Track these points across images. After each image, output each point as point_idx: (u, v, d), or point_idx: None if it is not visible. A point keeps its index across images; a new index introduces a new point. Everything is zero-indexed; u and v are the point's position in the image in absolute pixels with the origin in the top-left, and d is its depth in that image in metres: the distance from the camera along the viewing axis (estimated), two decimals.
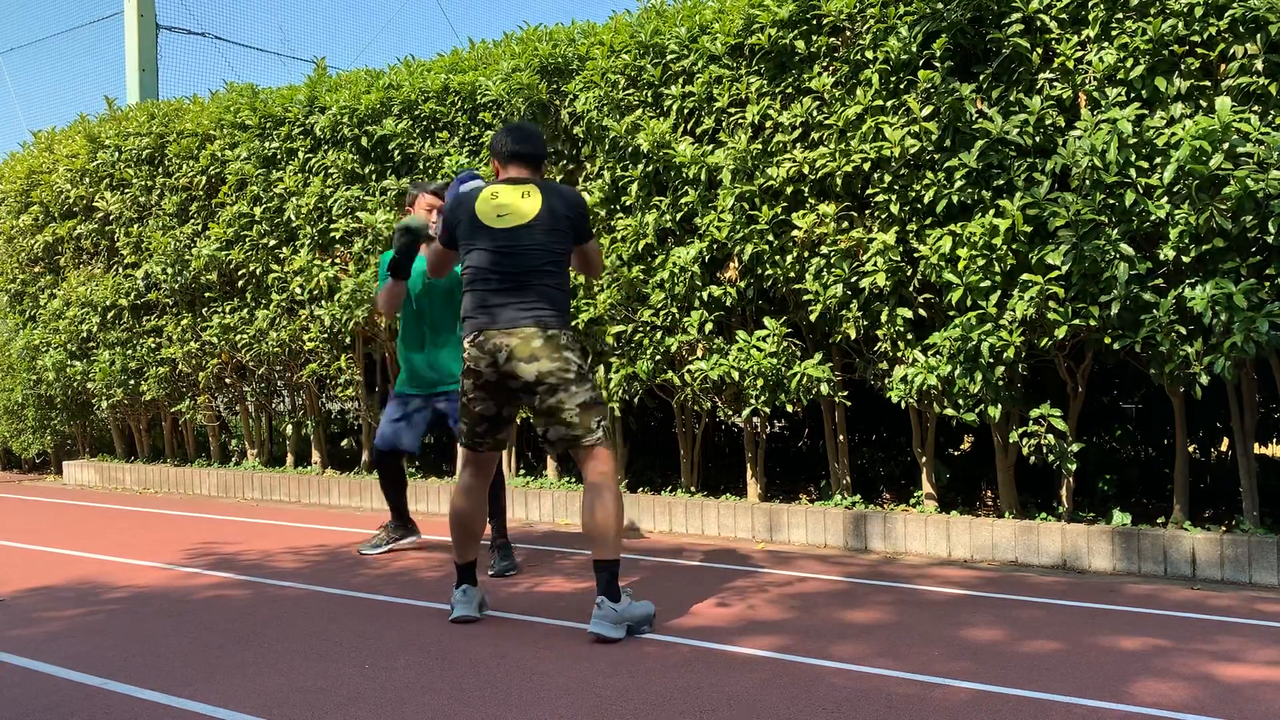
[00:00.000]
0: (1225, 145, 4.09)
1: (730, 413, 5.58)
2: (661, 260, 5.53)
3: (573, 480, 6.49)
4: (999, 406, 4.70)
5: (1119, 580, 4.34)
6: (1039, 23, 4.62)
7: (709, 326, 5.42)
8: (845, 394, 5.32)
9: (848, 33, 5.07)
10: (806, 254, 5.16)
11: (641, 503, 5.82)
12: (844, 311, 5.08)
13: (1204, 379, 4.28)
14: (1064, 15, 4.57)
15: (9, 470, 10.57)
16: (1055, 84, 4.61)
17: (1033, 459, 4.74)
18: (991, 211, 4.63)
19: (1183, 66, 4.33)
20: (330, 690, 2.89)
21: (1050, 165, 4.50)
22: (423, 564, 4.82)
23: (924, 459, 5.25)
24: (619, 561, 3.43)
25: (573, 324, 3.57)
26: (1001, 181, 4.63)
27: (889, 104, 4.92)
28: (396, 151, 6.66)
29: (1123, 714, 2.62)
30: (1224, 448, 6.14)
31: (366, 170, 6.83)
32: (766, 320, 5.23)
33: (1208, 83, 4.36)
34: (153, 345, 8.09)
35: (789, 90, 5.26)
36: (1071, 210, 4.36)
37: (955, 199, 4.70)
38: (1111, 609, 3.79)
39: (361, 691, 2.88)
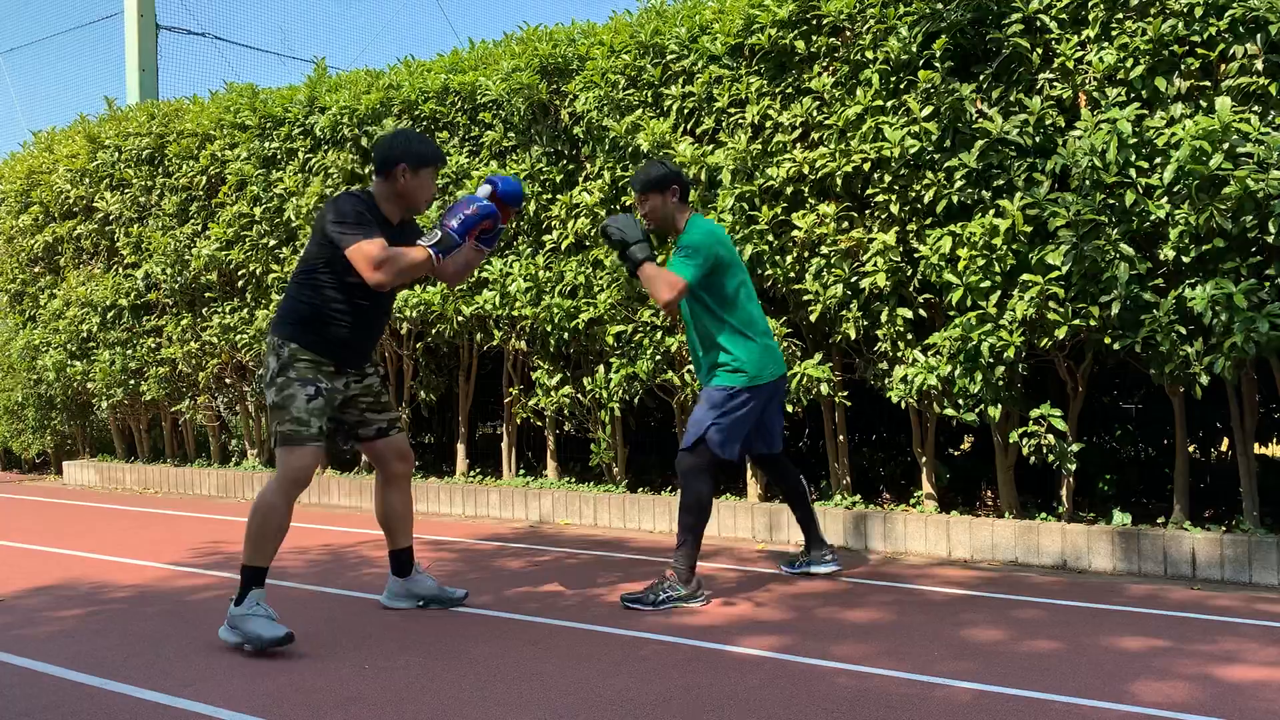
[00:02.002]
0: (1225, 145, 4.09)
1: None
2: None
3: (572, 480, 6.49)
4: (999, 406, 4.70)
5: (1119, 580, 4.34)
6: (1039, 23, 4.62)
7: None
8: (845, 394, 5.32)
9: (848, 33, 5.07)
10: (806, 254, 5.16)
11: (641, 503, 5.82)
12: (844, 311, 5.08)
13: (1204, 379, 4.28)
14: (1064, 15, 4.57)
15: (9, 470, 10.57)
16: (1055, 84, 4.61)
17: (1033, 459, 4.74)
18: (991, 211, 4.63)
19: (1183, 66, 4.33)
20: (330, 690, 2.89)
21: (1050, 165, 4.50)
22: (423, 564, 4.82)
23: (924, 459, 5.25)
24: (251, 568, 3.40)
25: (303, 334, 3.59)
26: (1001, 181, 4.63)
27: (889, 104, 4.92)
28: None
29: (1123, 714, 2.62)
30: (1224, 448, 6.14)
31: (366, 170, 6.83)
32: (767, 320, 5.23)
33: (1208, 83, 4.36)
34: (153, 345, 8.09)
35: (789, 90, 5.26)
36: (1071, 210, 4.36)
37: (955, 199, 4.70)
38: (1111, 609, 3.79)
39: (361, 691, 2.88)
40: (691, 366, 5.51)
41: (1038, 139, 4.59)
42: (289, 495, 3.49)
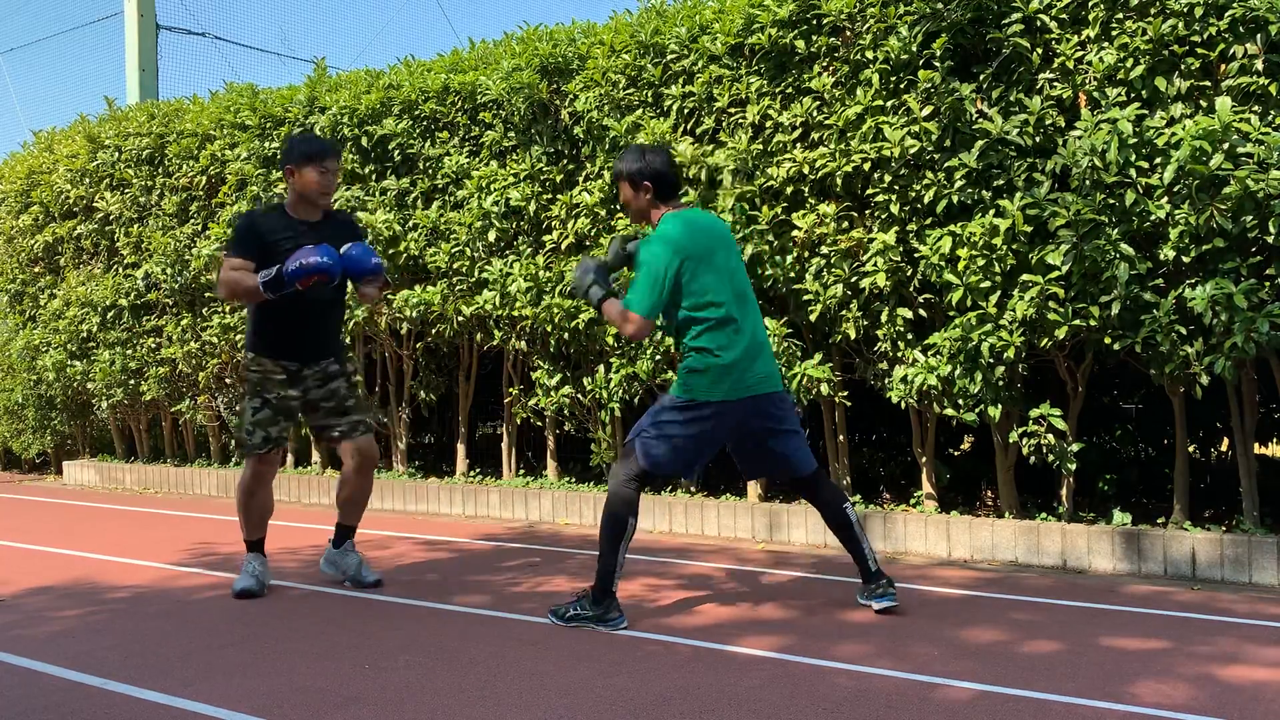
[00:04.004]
0: (1225, 145, 4.09)
1: None
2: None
3: (572, 480, 6.49)
4: (999, 406, 4.70)
5: (1119, 580, 4.34)
6: (1039, 23, 4.62)
7: None
8: (845, 394, 5.32)
9: (848, 33, 5.07)
10: (806, 254, 5.16)
11: (642, 503, 5.82)
12: (844, 311, 5.08)
13: (1204, 379, 4.28)
14: (1064, 15, 4.57)
15: (9, 470, 10.57)
16: (1055, 84, 4.61)
17: (1033, 459, 4.73)
18: (991, 211, 4.63)
19: (1183, 66, 4.33)
20: (330, 690, 2.89)
21: (1050, 165, 4.50)
22: (423, 564, 4.82)
23: (924, 459, 5.25)
24: (246, 541, 4.22)
25: (254, 348, 4.07)
26: (1001, 181, 4.63)
27: (889, 104, 4.92)
28: (396, 151, 6.66)
29: (1123, 714, 2.62)
30: (1224, 448, 6.14)
31: (367, 170, 6.83)
32: (767, 320, 5.23)
33: (1208, 83, 4.36)
34: (153, 345, 8.09)
35: (789, 90, 5.26)
36: (1071, 210, 4.36)
37: (955, 199, 4.70)
38: (1111, 609, 3.78)
39: (361, 691, 2.88)
40: None
41: (1038, 139, 4.59)
42: (248, 495, 4.13)
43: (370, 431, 4.19)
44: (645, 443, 3.59)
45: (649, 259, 3.55)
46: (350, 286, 4.40)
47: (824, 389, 5.17)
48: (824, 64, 5.15)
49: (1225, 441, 6.03)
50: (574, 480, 6.50)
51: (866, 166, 4.93)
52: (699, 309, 3.57)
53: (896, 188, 4.89)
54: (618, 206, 5.84)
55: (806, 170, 5.09)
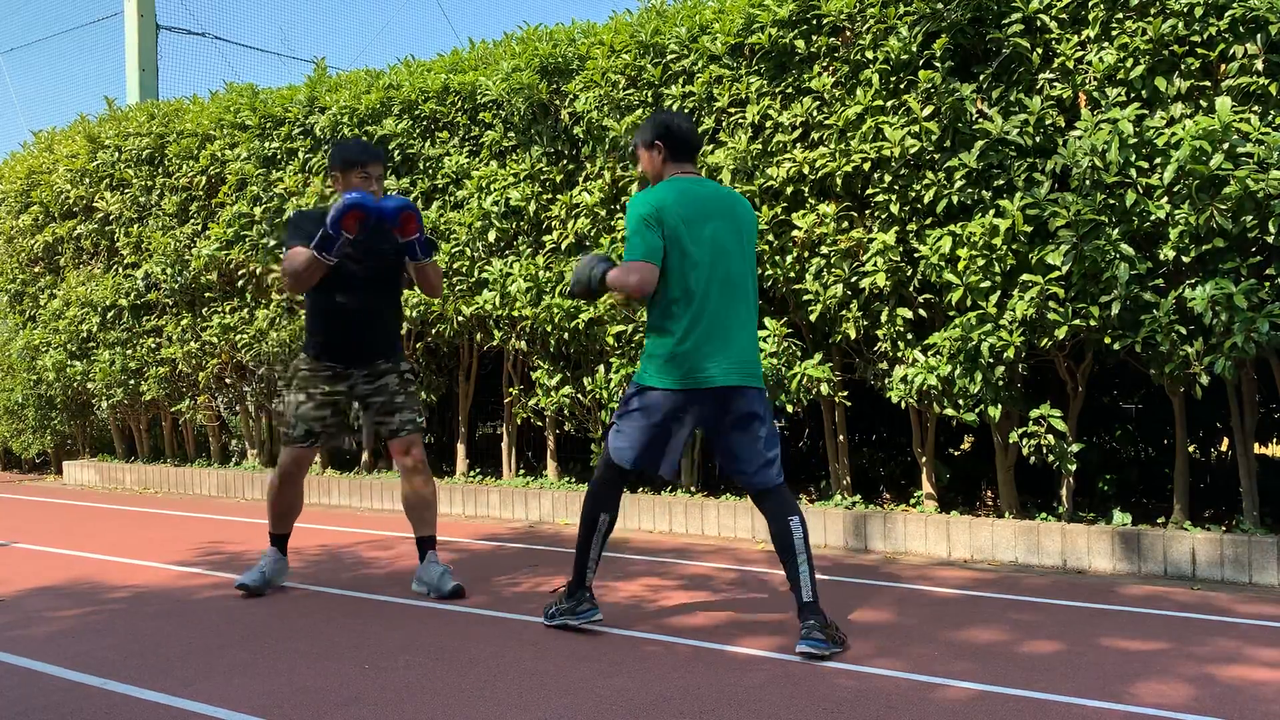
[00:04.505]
0: (1225, 145, 4.09)
1: None
2: None
3: (572, 480, 6.49)
4: (999, 406, 4.70)
5: (1119, 580, 4.34)
6: (1039, 23, 4.62)
7: None
8: (845, 394, 5.32)
9: (848, 33, 5.07)
10: (806, 254, 5.16)
11: (642, 503, 5.82)
12: (844, 311, 5.08)
13: (1204, 379, 4.28)
14: (1064, 15, 4.57)
15: (9, 470, 10.57)
16: (1055, 84, 4.61)
17: (1033, 459, 4.73)
18: (991, 211, 4.63)
19: (1183, 66, 4.33)
20: (330, 690, 2.89)
21: (1050, 165, 4.50)
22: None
23: (924, 459, 5.25)
24: (271, 534, 4.25)
25: (307, 346, 4.18)
26: (1001, 181, 4.63)
27: (889, 104, 4.92)
28: (397, 151, 6.66)
29: (1123, 714, 2.62)
30: (1224, 448, 6.14)
31: None
32: (767, 320, 5.23)
33: (1208, 83, 4.36)
34: (153, 345, 8.09)
35: (789, 90, 5.26)
36: (1071, 210, 4.36)
37: (955, 199, 4.70)
38: (1111, 609, 3.78)
39: (362, 691, 2.88)
40: None
41: (1038, 139, 4.59)
42: (279, 482, 4.16)
43: (418, 430, 4.15)
44: (611, 434, 3.43)
45: (630, 216, 3.31)
46: (404, 290, 4.39)
47: (824, 389, 5.17)
48: (824, 64, 5.15)
49: (1225, 441, 6.03)
50: (574, 480, 6.50)
51: (866, 166, 4.93)
52: (669, 278, 3.28)
53: (896, 188, 4.89)
54: (618, 207, 5.84)
55: (806, 170, 5.09)
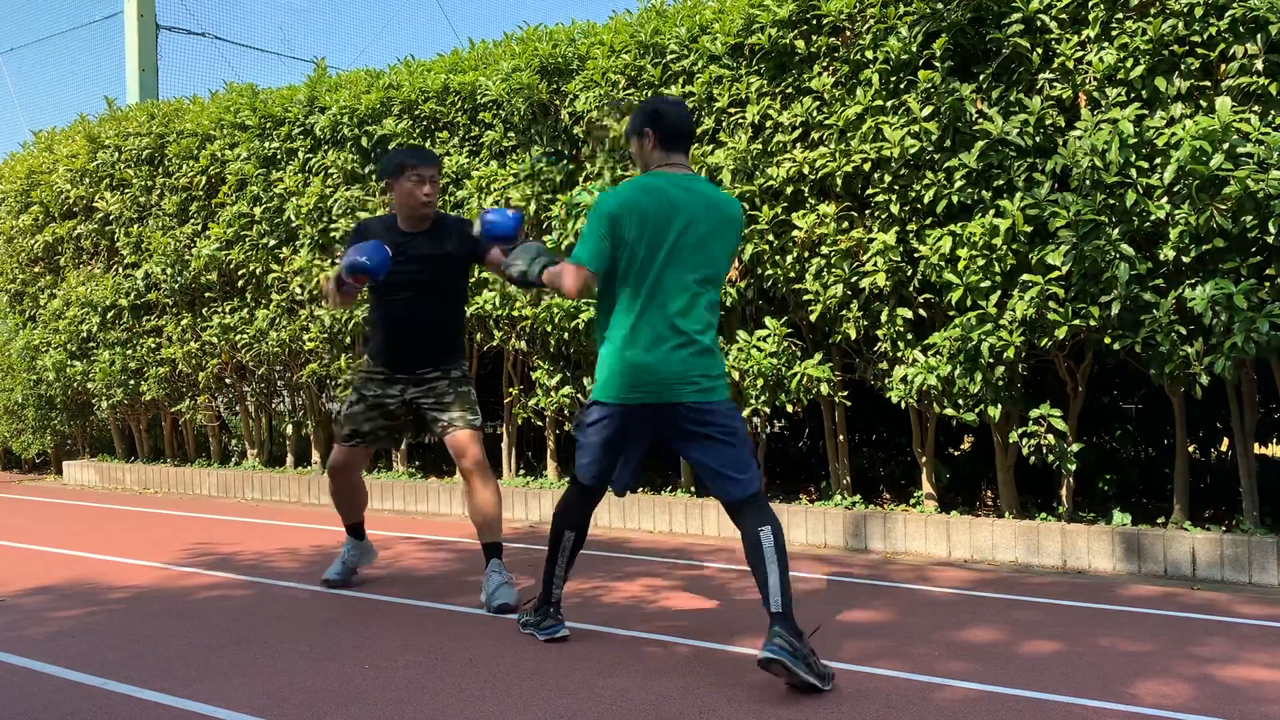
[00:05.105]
0: (1225, 145, 4.09)
1: None
2: None
3: None
4: (999, 406, 4.70)
5: (1119, 580, 4.34)
6: (1039, 23, 4.62)
7: None
8: (845, 394, 5.32)
9: (848, 33, 5.07)
10: (806, 254, 5.16)
11: (641, 503, 5.82)
12: (844, 311, 5.08)
13: (1204, 379, 4.28)
14: (1064, 15, 4.57)
15: (9, 470, 10.57)
16: (1055, 84, 4.61)
17: (1033, 459, 4.73)
18: (991, 212, 4.63)
19: (1183, 66, 4.33)
20: (330, 690, 2.89)
21: (1050, 165, 4.50)
22: (423, 564, 4.82)
23: (924, 459, 5.25)
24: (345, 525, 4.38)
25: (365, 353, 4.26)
26: (1001, 181, 4.63)
27: (889, 104, 4.92)
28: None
29: (1123, 714, 2.62)
30: (1224, 448, 6.14)
31: (367, 170, 6.83)
32: (767, 320, 5.24)
33: (1208, 83, 4.36)
34: (153, 345, 8.09)
35: (789, 90, 5.26)
36: (1072, 210, 4.36)
37: (955, 199, 4.70)
38: (1111, 609, 3.78)
39: (362, 691, 2.88)
40: None
41: (1038, 139, 4.59)
42: (328, 478, 4.27)
43: (469, 427, 4.01)
44: (576, 450, 3.30)
45: (591, 212, 3.14)
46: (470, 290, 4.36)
47: (824, 389, 5.17)
48: (824, 64, 5.15)
49: (1225, 441, 6.03)
50: None
51: (866, 166, 4.93)
52: (624, 282, 3.11)
53: (896, 188, 4.89)
54: None
55: (806, 170, 5.09)
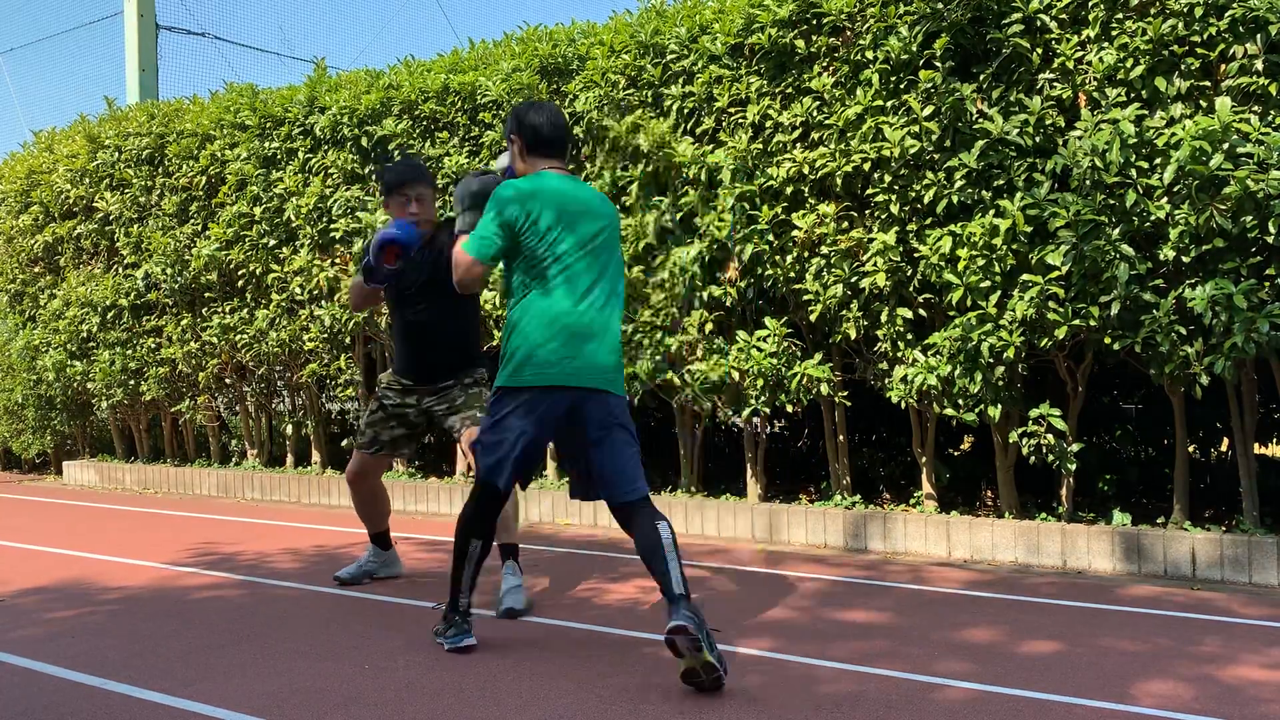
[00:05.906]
0: (1225, 145, 4.09)
1: (730, 414, 5.58)
2: (662, 260, 5.53)
3: None
4: (999, 406, 4.70)
5: (1119, 580, 4.34)
6: (1039, 23, 4.62)
7: (709, 326, 5.42)
8: (845, 394, 5.32)
9: (848, 33, 5.07)
10: (806, 254, 5.16)
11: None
12: (844, 311, 5.08)
13: (1204, 379, 4.28)
14: (1064, 15, 4.57)
15: (9, 470, 10.57)
16: (1055, 84, 4.61)
17: (1033, 459, 4.73)
18: (991, 212, 4.63)
19: (1183, 67, 4.33)
20: (330, 690, 2.89)
21: (1050, 165, 4.50)
22: (423, 565, 4.82)
23: (924, 459, 5.25)
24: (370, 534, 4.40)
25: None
26: (1001, 181, 4.63)
27: (889, 104, 4.92)
28: (396, 152, 6.66)
29: (1123, 714, 2.62)
30: (1224, 448, 6.14)
31: (367, 170, 6.83)
32: (767, 320, 5.24)
33: (1208, 83, 4.36)
34: (153, 345, 8.09)
35: (789, 90, 5.26)
36: (1072, 210, 4.36)
37: (955, 199, 4.70)
38: (1111, 609, 3.78)
39: (362, 692, 2.88)
40: (692, 368, 5.50)
41: (1038, 139, 4.59)
42: (349, 486, 4.30)
43: (477, 426, 3.96)
44: (480, 450, 3.18)
45: (491, 200, 3.16)
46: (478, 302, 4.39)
47: (824, 389, 5.17)
48: (824, 64, 5.15)
49: (1225, 441, 6.03)
50: None
51: (866, 166, 4.93)
52: (522, 271, 3.13)
53: (896, 188, 4.89)
54: (618, 207, 5.84)
55: (806, 170, 5.09)
